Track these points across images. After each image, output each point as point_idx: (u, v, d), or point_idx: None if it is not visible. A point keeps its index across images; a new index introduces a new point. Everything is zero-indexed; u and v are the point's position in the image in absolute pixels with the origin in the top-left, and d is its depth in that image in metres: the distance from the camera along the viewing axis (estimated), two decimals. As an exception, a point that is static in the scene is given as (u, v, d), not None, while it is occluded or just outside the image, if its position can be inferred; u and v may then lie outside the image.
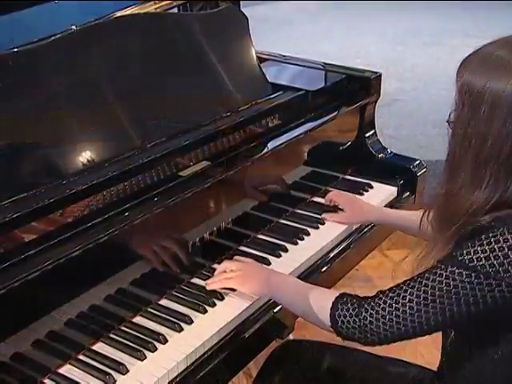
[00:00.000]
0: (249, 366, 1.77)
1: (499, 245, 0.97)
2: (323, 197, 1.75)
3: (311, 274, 1.53)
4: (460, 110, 1.02)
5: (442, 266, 1.02)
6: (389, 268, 2.62)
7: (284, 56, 2.06)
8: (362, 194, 1.83)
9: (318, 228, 1.65)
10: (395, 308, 1.05)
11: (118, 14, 1.74)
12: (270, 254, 1.53)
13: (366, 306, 1.09)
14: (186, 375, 1.23)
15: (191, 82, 1.62)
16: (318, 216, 1.69)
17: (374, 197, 1.83)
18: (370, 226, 1.71)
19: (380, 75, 1.93)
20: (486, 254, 0.97)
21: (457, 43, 5.42)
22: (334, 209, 1.70)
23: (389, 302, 1.06)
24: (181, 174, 1.42)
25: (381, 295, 1.08)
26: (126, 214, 1.28)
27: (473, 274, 0.98)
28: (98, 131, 1.42)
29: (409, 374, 1.30)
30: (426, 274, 1.04)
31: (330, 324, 1.14)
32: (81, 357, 1.23)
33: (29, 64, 1.37)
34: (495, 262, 0.97)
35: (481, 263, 0.98)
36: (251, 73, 1.78)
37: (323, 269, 1.57)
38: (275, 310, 1.39)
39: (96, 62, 1.46)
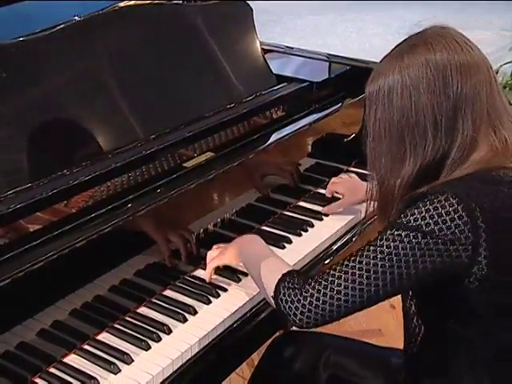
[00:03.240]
0: (252, 357, 1.77)
1: (434, 205, 1.03)
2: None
3: (315, 266, 1.53)
4: (367, 116, 1.13)
5: (382, 233, 1.06)
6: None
7: (288, 47, 2.06)
8: (365, 186, 1.82)
9: (321, 220, 1.65)
10: (344, 279, 1.07)
11: (122, 4, 1.73)
12: (273, 246, 1.53)
13: (312, 282, 1.10)
14: (189, 365, 1.23)
15: (195, 72, 1.62)
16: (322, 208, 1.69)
17: (377, 189, 1.82)
18: (373, 218, 1.71)
19: (384, 67, 1.92)
20: (422, 215, 1.03)
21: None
22: (335, 199, 1.69)
23: (336, 273, 1.08)
24: (185, 165, 1.43)
25: (328, 270, 1.10)
26: (130, 205, 1.29)
27: (411, 234, 1.03)
28: (101, 122, 1.42)
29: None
30: (367, 246, 1.07)
31: (273, 301, 1.15)
32: (86, 346, 1.23)
33: (31, 54, 1.37)
34: (431, 221, 1.02)
35: (417, 223, 1.03)
36: (255, 64, 1.78)
37: (327, 261, 1.57)
38: (279, 301, 1.39)
39: (99, 52, 1.46)
